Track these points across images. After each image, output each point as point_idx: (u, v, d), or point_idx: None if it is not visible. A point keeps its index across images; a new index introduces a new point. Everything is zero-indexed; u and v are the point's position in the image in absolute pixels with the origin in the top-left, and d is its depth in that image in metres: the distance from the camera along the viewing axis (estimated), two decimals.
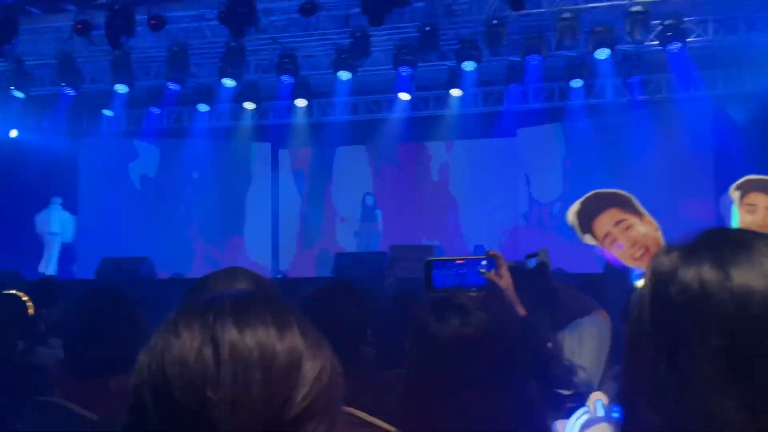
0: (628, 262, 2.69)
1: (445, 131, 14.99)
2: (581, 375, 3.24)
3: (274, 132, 15.98)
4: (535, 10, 10.97)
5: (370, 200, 14.67)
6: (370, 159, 15.86)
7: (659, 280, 0.92)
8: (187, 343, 0.88)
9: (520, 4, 9.24)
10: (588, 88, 13.40)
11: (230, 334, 0.88)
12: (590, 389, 3.08)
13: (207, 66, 13.55)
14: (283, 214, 16.15)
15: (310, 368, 0.92)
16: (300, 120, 15.32)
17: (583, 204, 2.76)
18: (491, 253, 2.29)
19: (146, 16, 10.54)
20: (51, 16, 11.47)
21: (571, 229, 2.75)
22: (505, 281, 2.23)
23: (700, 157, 12.74)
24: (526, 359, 1.97)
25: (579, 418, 1.20)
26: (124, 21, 10.11)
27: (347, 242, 14.63)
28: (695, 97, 13.18)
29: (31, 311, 4.27)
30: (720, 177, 12.27)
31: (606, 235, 2.71)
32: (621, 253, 2.69)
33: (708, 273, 0.89)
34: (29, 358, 3.81)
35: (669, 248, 0.95)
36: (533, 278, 4.15)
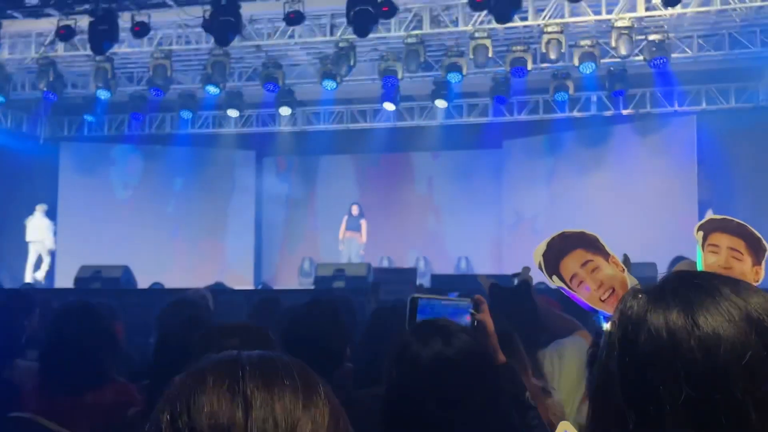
0: (595, 305, 2.69)
1: (430, 142, 14.98)
2: (555, 396, 3.20)
3: (257, 140, 15.91)
4: (521, 24, 10.98)
5: (354, 210, 14.60)
6: (355, 168, 15.81)
7: (628, 325, 0.92)
8: (216, 401, 0.85)
9: (506, 17, 9.22)
10: (573, 101, 13.44)
11: (260, 398, 0.86)
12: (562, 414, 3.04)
13: (190, 72, 13.48)
14: (266, 222, 16.06)
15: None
16: (284, 128, 15.27)
17: (549, 245, 2.78)
18: (477, 298, 2.30)
19: (129, 23, 10.42)
20: (34, 21, 11.32)
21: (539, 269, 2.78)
22: (490, 327, 2.23)
23: (684, 171, 12.80)
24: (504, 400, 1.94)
25: None
26: (108, 27, 9.99)
27: (330, 252, 14.54)
28: (679, 111, 13.27)
29: None
30: (703, 190, 12.35)
31: (573, 277, 2.72)
32: (588, 295, 2.69)
33: (676, 319, 0.89)
34: (4, 372, 3.70)
35: (636, 292, 0.96)
36: (515, 296, 4.13)
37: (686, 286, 0.94)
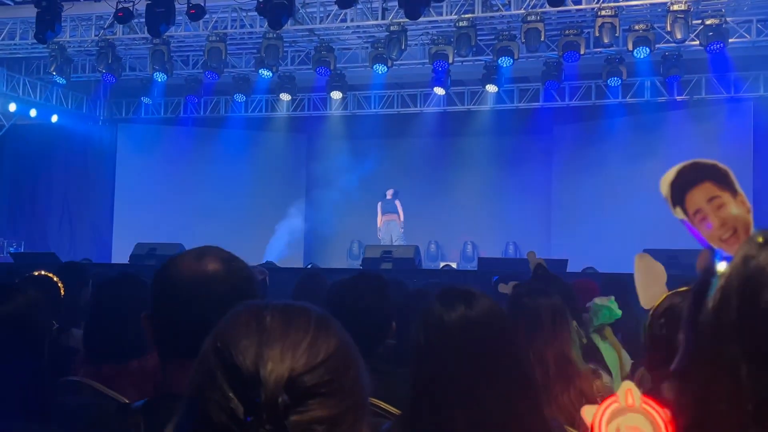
0: (714, 243, 2.63)
1: (479, 127, 14.94)
2: (604, 378, 3.22)
3: (309, 123, 16.07)
4: (574, 7, 10.88)
5: (388, 194, 14.73)
6: (404, 153, 15.84)
7: (751, 276, 0.84)
8: (243, 330, 1.03)
9: (559, 1, 9.14)
10: (626, 87, 13.24)
11: (278, 329, 1.03)
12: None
13: (244, 56, 13.69)
14: (316, 205, 16.22)
15: (334, 354, 1.03)
16: (335, 112, 15.39)
17: (679, 174, 2.69)
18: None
19: (185, 5, 10.64)
20: (93, 3, 11.64)
21: (664, 200, 2.71)
22: None
23: (739, 159, 12.52)
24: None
25: (609, 406, 1.20)
26: (164, 10, 10.22)
27: (372, 235, 14.64)
28: (735, 98, 12.98)
29: (62, 292, 4.33)
30: (759, 179, 12.07)
31: (697, 212, 2.65)
32: (709, 233, 2.62)
33: None
34: (62, 339, 3.86)
35: (762, 240, 0.87)
36: (553, 282, 4.19)
37: None
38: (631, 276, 2.47)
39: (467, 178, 15.41)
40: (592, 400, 2.80)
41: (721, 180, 2.70)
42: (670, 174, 2.74)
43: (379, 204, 14.75)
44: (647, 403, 1.07)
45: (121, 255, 12.70)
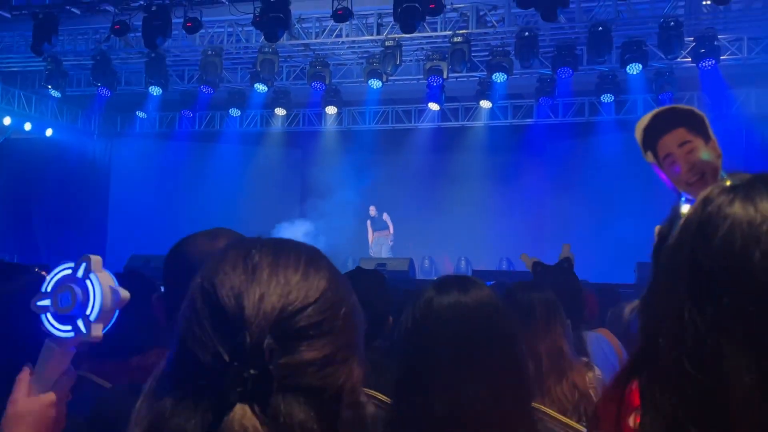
0: (681, 187, 2.61)
1: (473, 142, 15.01)
2: (596, 371, 3.23)
3: (304, 139, 16.11)
4: (568, 24, 10.98)
5: (371, 211, 14.82)
6: (399, 168, 15.87)
7: (708, 219, 0.85)
8: (231, 268, 1.01)
9: (552, 15, 9.23)
10: (619, 103, 13.34)
11: (267, 266, 1.00)
12: None
13: (240, 71, 13.75)
14: (311, 219, 16.20)
15: (326, 292, 1.01)
16: (329, 128, 15.45)
17: (654, 119, 2.69)
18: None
19: (182, 20, 10.70)
20: (90, 17, 11.70)
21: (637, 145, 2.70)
22: None
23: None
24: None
25: None
26: (161, 23, 10.28)
27: (367, 251, 14.68)
28: (727, 115, 13.07)
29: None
30: None
31: (667, 156, 2.64)
32: (677, 176, 2.61)
33: (766, 208, 0.82)
34: None
35: (726, 185, 0.88)
36: (558, 273, 4.17)
37: None
38: (622, 286, 2.46)
39: (461, 194, 15.42)
40: (585, 393, 2.81)
41: (696, 126, 2.71)
42: (645, 119, 2.74)
43: (369, 222, 14.84)
44: None
45: (115, 268, 12.58)
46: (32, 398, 1.44)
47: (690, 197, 2.62)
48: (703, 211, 0.86)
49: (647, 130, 2.73)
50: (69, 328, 1.42)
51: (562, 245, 4.43)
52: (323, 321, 0.97)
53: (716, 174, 2.60)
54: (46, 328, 1.43)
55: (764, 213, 0.82)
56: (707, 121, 2.71)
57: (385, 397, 2.28)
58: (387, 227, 14.70)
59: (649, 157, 2.73)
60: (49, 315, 1.43)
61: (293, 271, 0.99)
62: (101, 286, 1.42)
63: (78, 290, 1.42)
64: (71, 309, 1.41)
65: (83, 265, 1.43)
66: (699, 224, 0.85)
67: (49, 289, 1.44)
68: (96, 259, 1.44)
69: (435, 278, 2.08)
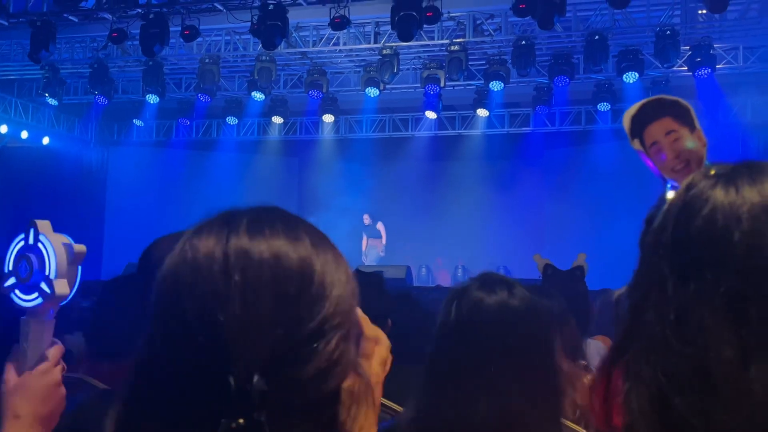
0: (667, 174, 2.66)
1: (470, 151, 15.03)
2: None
3: (301, 147, 16.12)
4: (564, 32, 11.02)
5: (365, 219, 14.84)
6: (396, 177, 15.90)
7: (689, 204, 0.88)
8: (206, 238, 0.96)
9: (549, 24, 9.26)
10: (616, 112, 13.37)
11: (246, 235, 0.95)
12: None
13: (237, 79, 13.76)
14: None
15: (326, 281, 0.96)
16: (327, 136, 15.46)
17: (641, 108, 2.75)
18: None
19: (179, 28, 10.71)
20: (87, 25, 11.70)
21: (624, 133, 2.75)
22: None
23: None
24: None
25: None
26: (158, 30, 10.29)
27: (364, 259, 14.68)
28: (723, 124, 13.09)
29: None
30: None
31: (653, 144, 2.69)
32: (663, 164, 2.66)
33: (748, 195, 0.84)
34: (64, 340, 3.87)
35: (709, 172, 0.90)
36: (569, 279, 4.16)
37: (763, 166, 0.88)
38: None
39: (458, 202, 15.44)
40: (586, 411, 2.79)
41: (682, 116, 2.77)
42: (633, 108, 2.80)
43: (363, 231, 14.90)
44: None
45: (111, 276, 12.59)
46: (24, 375, 1.43)
47: (675, 184, 2.66)
48: (686, 194, 0.90)
49: (635, 118, 2.80)
50: (36, 294, 1.42)
51: (578, 254, 4.44)
52: (323, 343, 0.91)
53: (701, 162, 2.67)
54: (18, 305, 1.44)
55: (746, 196, 0.85)
56: (693, 111, 2.78)
57: (391, 403, 2.25)
58: (380, 236, 14.72)
59: (636, 144, 2.79)
60: (17, 291, 1.44)
61: (275, 238, 0.95)
62: (52, 245, 1.44)
63: (32, 256, 1.43)
64: (31, 276, 1.42)
65: (31, 231, 1.45)
66: (682, 206, 0.89)
67: (11, 268, 1.45)
68: (43, 223, 1.46)
69: (475, 276, 2.02)
